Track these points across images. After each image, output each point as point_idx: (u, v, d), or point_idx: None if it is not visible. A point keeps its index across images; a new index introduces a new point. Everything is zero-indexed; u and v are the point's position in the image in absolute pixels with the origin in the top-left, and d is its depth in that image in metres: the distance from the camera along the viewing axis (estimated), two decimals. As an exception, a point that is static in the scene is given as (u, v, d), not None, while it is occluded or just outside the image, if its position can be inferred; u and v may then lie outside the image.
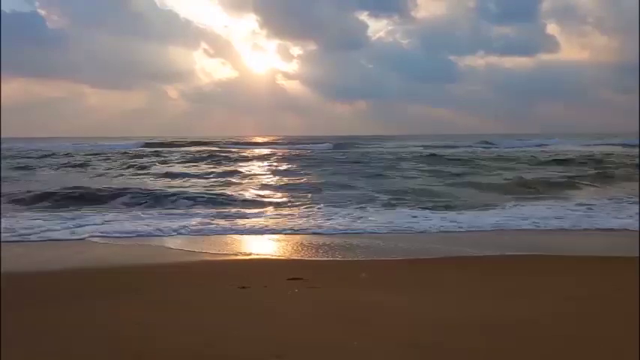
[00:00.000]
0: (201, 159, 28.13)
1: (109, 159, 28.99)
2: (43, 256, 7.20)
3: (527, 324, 3.88)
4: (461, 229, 9.04)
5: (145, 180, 18.34)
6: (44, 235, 8.30)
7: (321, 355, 3.34)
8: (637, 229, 8.72)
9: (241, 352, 3.37)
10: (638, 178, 16.20)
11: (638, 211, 10.06)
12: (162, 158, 29.52)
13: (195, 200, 12.41)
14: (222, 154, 33.25)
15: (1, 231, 8.26)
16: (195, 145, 49.05)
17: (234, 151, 36.93)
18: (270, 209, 11.47)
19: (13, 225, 8.88)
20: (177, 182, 17.39)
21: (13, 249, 7.41)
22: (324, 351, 3.38)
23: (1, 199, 12.29)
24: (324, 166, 23.97)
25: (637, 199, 11.57)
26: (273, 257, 7.37)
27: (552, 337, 3.62)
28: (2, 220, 9.23)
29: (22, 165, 24.75)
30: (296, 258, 7.10)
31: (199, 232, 8.74)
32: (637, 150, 28.95)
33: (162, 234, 8.56)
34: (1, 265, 6.08)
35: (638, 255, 6.61)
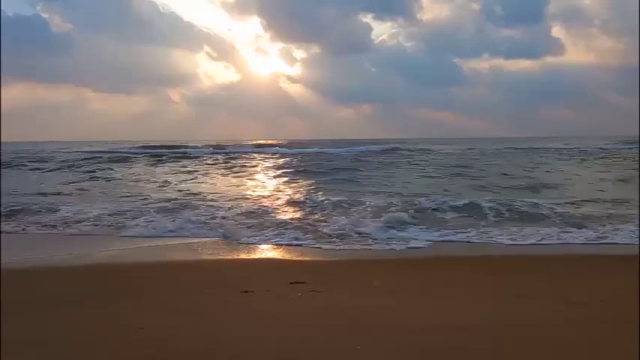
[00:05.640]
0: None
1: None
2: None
3: (529, 326, 3.90)
4: None
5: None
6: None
7: (325, 359, 3.37)
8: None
9: (245, 357, 3.40)
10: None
11: None
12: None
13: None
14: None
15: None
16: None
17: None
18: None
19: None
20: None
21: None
22: (327, 355, 3.41)
23: None
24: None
25: None
26: (275, 259, 7.39)
27: (553, 339, 3.64)
28: None
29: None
30: (297, 259, 7.13)
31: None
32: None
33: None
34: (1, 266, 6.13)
35: (638, 255, 6.64)
